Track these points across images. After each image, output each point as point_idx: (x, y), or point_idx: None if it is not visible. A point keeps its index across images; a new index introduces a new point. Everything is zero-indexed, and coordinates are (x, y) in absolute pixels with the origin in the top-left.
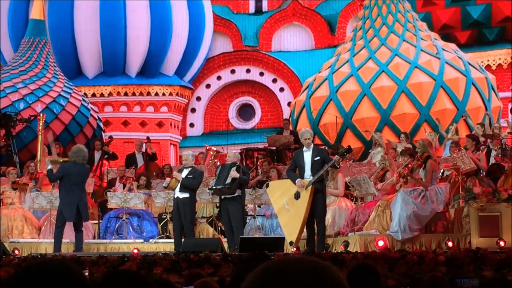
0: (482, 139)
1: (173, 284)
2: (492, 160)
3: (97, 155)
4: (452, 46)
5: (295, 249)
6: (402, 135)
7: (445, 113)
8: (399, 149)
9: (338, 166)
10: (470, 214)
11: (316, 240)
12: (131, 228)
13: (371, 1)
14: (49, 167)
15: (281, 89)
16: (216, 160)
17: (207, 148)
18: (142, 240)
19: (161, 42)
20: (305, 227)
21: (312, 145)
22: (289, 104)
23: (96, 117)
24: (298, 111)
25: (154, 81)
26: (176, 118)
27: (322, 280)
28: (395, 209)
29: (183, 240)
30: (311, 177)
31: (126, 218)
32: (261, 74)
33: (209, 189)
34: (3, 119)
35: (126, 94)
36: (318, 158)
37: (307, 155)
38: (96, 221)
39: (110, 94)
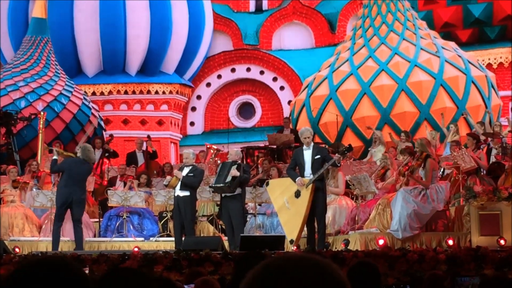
0: (482, 137)
1: (173, 282)
2: (492, 159)
3: (97, 153)
4: (452, 44)
5: (295, 247)
6: (403, 134)
7: (445, 112)
8: (400, 148)
9: (339, 165)
10: (471, 213)
11: (316, 239)
12: (131, 227)
13: (370, 0)
14: (55, 157)
15: (282, 88)
16: (216, 159)
17: (208, 146)
18: (142, 239)
19: (161, 41)
20: (305, 226)
21: (312, 144)
22: (289, 102)
23: (97, 116)
24: (298, 110)
25: (154, 79)
26: (176, 116)
27: (323, 277)
28: (396, 207)
29: (183, 238)
30: (312, 176)
31: (126, 217)
32: (262, 72)
33: (209, 187)
34: (4, 118)
35: (126, 92)
36: (318, 156)
37: (307, 154)
38: (97, 220)
39: (110, 92)
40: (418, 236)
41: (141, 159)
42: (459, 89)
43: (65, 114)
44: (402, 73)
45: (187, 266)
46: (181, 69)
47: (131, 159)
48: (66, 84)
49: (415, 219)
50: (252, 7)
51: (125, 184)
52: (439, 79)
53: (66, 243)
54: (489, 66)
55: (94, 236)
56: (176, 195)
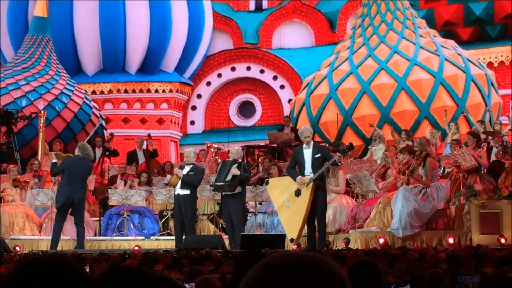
0: (483, 136)
1: (174, 281)
2: (493, 157)
3: (98, 152)
4: (451, 43)
5: (296, 246)
6: (403, 133)
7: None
8: (401, 146)
9: (339, 163)
10: (471, 211)
11: (317, 237)
12: (132, 225)
13: None
14: (54, 160)
15: (282, 86)
16: (217, 157)
17: (208, 145)
18: (143, 237)
19: (160, 39)
20: (305, 224)
21: (312, 143)
22: (289, 101)
23: (98, 115)
24: (298, 110)
25: (154, 78)
26: (176, 114)
27: (323, 275)
28: (396, 206)
29: (184, 237)
30: (312, 175)
31: (127, 215)
32: (262, 71)
33: (210, 185)
34: (5, 116)
35: (126, 91)
36: (318, 155)
37: (307, 153)
38: (97, 218)
39: (110, 91)
40: (418, 235)
41: (141, 158)
42: (459, 88)
43: (66, 113)
44: (401, 72)
45: (188, 265)
46: (181, 67)
47: (131, 157)
48: (67, 83)
49: (415, 217)
50: (252, 5)
51: (125, 183)
52: (438, 77)
53: (67, 242)
54: (490, 64)
55: (95, 235)
56: (176, 193)
